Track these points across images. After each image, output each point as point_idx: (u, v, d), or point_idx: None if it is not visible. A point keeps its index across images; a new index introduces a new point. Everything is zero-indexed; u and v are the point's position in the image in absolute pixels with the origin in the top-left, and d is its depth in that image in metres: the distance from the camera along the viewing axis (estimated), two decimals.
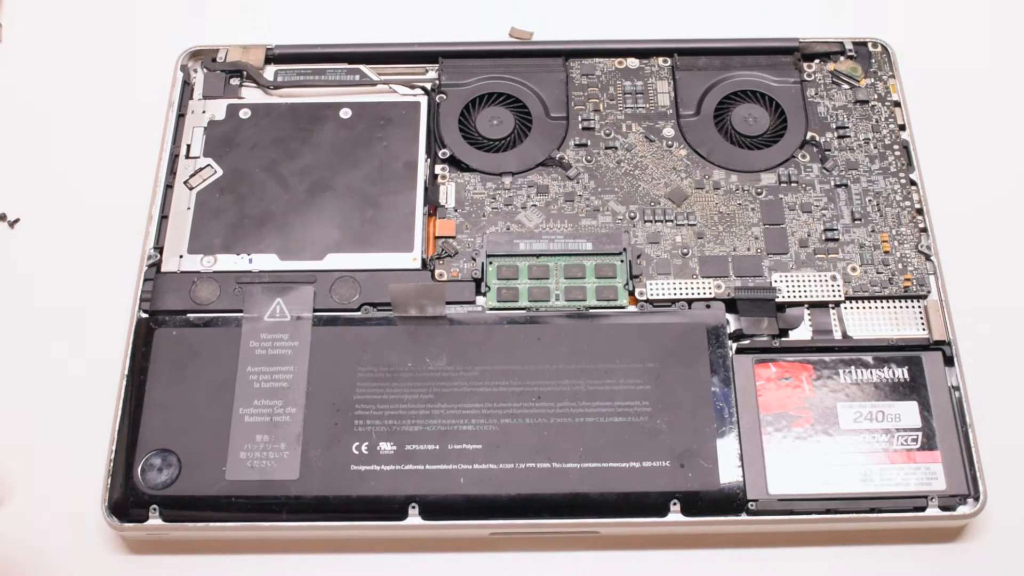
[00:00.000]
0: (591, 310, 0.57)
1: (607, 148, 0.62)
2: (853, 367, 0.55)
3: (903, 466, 0.53)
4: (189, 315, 0.56)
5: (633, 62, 0.65)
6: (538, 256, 0.58)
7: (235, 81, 0.64)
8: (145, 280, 0.57)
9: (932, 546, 0.54)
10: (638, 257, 0.58)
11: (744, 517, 0.52)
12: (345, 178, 0.61)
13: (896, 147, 0.62)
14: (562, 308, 0.57)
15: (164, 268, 0.58)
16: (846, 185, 0.61)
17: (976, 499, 0.52)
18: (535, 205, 0.60)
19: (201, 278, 0.57)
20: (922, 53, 0.68)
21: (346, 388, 0.54)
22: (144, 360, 0.55)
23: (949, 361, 0.55)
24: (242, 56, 0.65)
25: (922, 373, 0.55)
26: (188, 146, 0.62)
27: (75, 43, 0.71)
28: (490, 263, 0.58)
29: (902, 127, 0.63)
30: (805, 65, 0.65)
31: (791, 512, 0.52)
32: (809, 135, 0.62)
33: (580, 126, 0.63)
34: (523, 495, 0.52)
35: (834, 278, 0.58)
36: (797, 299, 0.57)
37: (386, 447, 0.53)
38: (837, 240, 0.59)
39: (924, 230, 0.59)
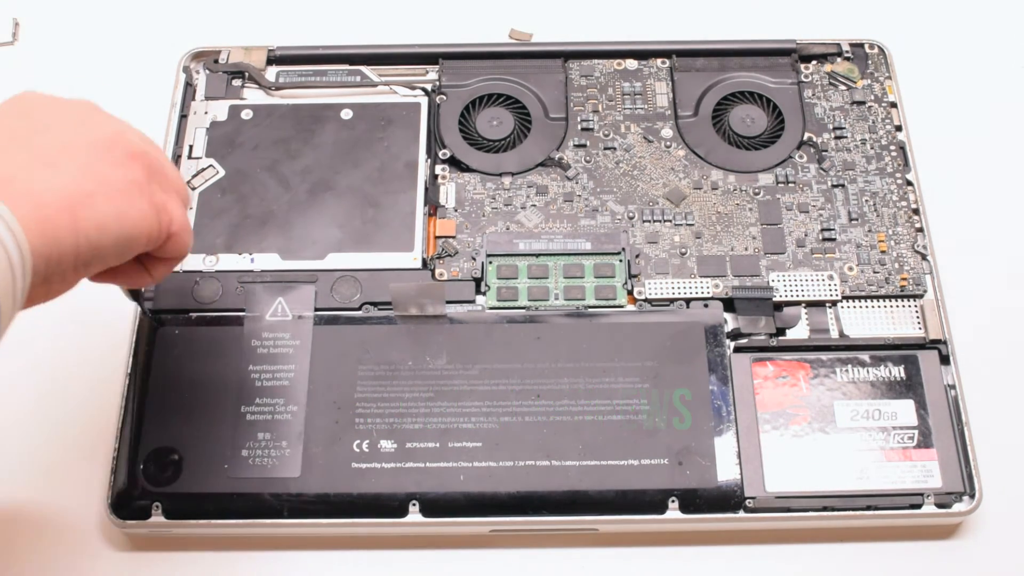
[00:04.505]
0: (590, 309, 0.57)
1: (606, 148, 0.62)
2: (850, 366, 0.55)
3: (899, 464, 0.53)
4: (191, 314, 0.57)
5: (632, 63, 0.66)
6: (537, 256, 0.59)
7: (237, 82, 0.65)
8: None
9: (928, 543, 0.54)
10: (636, 257, 0.59)
11: (741, 514, 0.52)
12: (346, 178, 0.61)
13: (893, 147, 0.62)
14: (561, 307, 0.57)
15: None
16: (843, 185, 0.61)
17: (972, 497, 0.53)
18: (534, 205, 0.61)
19: (203, 277, 0.58)
20: (918, 54, 0.68)
21: (347, 386, 0.54)
22: (147, 359, 0.55)
23: (945, 360, 0.56)
24: (244, 57, 0.65)
25: (918, 372, 0.55)
26: (190, 146, 0.62)
27: (78, 44, 0.71)
28: (490, 262, 0.58)
29: (898, 128, 0.63)
30: (802, 66, 0.65)
31: (788, 509, 0.52)
32: (806, 136, 0.63)
33: (579, 127, 0.63)
34: (523, 492, 0.52)
35: (831, 277, 0.58)
36: (794, 298, 0.57)
37: (387, 445, 0.53)
38: (834, 240, 0.59)
39: (920, 230, 0.60)
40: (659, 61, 0.66)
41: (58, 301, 0.61)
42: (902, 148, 0.62)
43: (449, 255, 0.59)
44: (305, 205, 0.60)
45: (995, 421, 0.57)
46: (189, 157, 0.62)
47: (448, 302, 0.57)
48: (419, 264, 0.58)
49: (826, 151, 0.62)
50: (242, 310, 0.57)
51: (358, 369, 0.55)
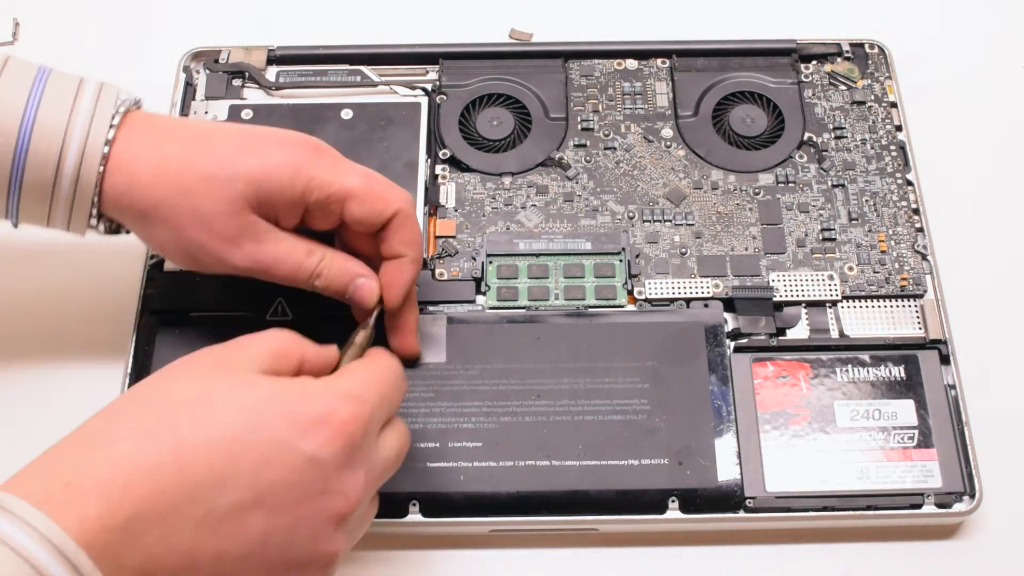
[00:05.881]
0: (590, 309, 0.57)
1: (606, 148, 0.62)
2: (850, 366, 0.55)
3: (899, 464, 0.53)
4: (191, 314, 0.57)
5: (632, 63, 0.66)
6: (537, 256, 0.59)
7: (237, 82, 0.65)
8: (148, 279, 0.58)
9: (928, 543, 0.54)
10: (637, 256, 0.59)
11: (742, 514, 0.52)
12: None
13: (893, 147, 0.62)
14: (561, 307, 0.57)
15: (167, 267, 0.58)
16: (843, 185, 0.61)
17: (972, 496, 0.52)
18: (535, 205, 0.61)
19: (203, 277, 0.58)
20: (918, 54, 0.68)
21: None
22: (147, 359, 0.55)
23: (945, 360, 0.56)
24: (244, 57, 0.65)
25: (918, 372, 0.55)
26: None
27: (78, 44, 0.71)
28: (490, 262, 0.58)
29: (899, 128, 0.63)
30: (803, 66, 0.65)
31: (788, 509, 0.52)
32: (806, 136, 0.63)
33: (579, 127, 0.63)
34: (523, 492, 0.52)
35: (831, 277, 0.58)
36: (794, 298, 0.57)
37: None
38: (834, 240, 0.59)
39: (920, 230, 0.60)
40: (659, 61, 0.66)
41: (57, 301, 0.61)
42: (902, 148, 0.62)
43: (449, 255, 0.59)
44: None
45: (995, 421, 0.56)
46: None
47: (448, 302, 0.57)
48: None
49: (826, 151, 0.62)
50: (242, 310, 0.57)
51: None
